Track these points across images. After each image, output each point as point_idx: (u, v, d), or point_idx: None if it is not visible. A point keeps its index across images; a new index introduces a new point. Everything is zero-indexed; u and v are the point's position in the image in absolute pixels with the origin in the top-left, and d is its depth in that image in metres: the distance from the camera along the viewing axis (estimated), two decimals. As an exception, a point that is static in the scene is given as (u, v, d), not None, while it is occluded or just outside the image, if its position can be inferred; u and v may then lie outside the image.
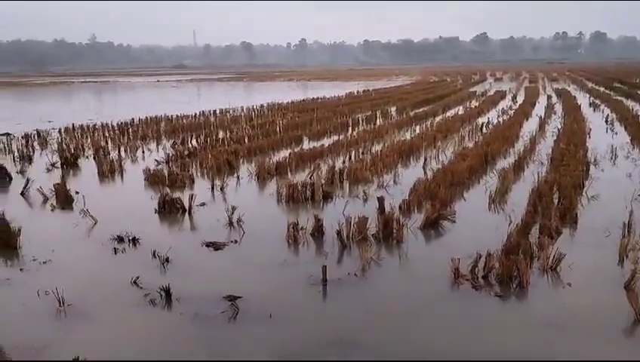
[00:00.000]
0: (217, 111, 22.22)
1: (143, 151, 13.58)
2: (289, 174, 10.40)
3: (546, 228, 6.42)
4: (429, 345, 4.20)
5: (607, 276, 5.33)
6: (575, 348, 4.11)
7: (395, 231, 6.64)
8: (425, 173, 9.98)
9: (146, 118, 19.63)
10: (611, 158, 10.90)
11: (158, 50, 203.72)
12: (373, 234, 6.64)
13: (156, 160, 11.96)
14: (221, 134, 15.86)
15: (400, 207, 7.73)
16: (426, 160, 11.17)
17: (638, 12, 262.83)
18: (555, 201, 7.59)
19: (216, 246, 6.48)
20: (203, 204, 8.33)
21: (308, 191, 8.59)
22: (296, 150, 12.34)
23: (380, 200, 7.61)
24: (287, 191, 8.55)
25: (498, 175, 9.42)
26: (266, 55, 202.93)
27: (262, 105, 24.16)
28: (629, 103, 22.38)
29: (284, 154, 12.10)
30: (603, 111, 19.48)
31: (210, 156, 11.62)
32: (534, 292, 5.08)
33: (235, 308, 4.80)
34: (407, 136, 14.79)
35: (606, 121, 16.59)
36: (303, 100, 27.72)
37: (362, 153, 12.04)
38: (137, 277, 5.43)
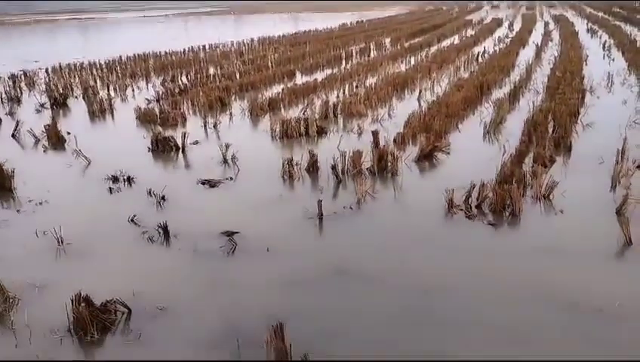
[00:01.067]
0: (207, 47, 21.65)
1: (133, 90, 13.33)
2: (282, 110, 10.27)
3: (540, 156, 6.44)
4: (424, 273, 4.30)
5: (600, 202, 5.40)
6: (565, 272, 4.21)
7: (389, 164, 6.65)
8: (420, 105, 9.88)
9: (134, 55, 19.13)
10: (607, 85, 10.79)
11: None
12: (368, 168, 6.65)
13: (146, 98, 11.76)
14: (212, 70, 15.52)
15: (395, 140, 7.71)
16: (420, 92, 11.02)
17: None
18: (550, 130, 7.57)
19: (211, 183, 6.49)
20: (196, 142, 8.27)
21: (302, 127, 8.51)
22: (289, 85, 12.14)
23: (375, 133, 7.57)
24: (280, 127, 8.47)
25: (493, 105, 9.34)
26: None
27: (252, 40, 23.52)
28: (628, 28, 21.92)
29: (276, 89, 11.91)
30: (601, 37, 19.10)
31: (201, 93, 11.43)
32: (527, 220, 5.16)
33: (233, 243, 4.87)
34: (402, 67, 14.53)
35: (603, 47, 16.30)
36: (295, 33, 26.98)
37: (356, 87, 11.85)
38: (134, 216, 5.47)
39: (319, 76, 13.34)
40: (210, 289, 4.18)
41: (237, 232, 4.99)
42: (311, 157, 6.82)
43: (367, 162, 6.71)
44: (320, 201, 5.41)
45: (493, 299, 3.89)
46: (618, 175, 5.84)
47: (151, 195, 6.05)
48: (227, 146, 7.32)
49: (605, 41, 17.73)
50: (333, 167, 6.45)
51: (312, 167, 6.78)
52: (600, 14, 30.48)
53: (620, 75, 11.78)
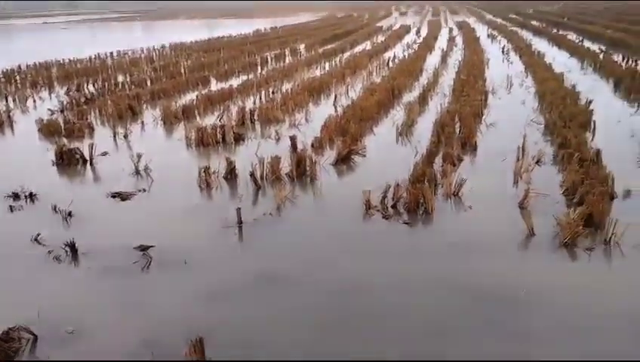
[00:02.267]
0: (115, 54, 20.74)
1: (34, 101, 12.48)
2: (197, 117, 10.04)
3: (448, 156, 6.75)
4: (344, 274, 4.35)
5: (504, 197, 5.74)
6: (477, 264, 4.44)
7: (308, 168, 6.69)
8: (335, 109, 10.04)
9: (35, 63, 17.94)
10: (507, 87, 11.53)
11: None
12: (287, 173, 6.65)
13: (49, 109, 11.05)
14: (120, 78, 14.89)
15: (312, 145, 7.77)
16: (336, 96, 11.21)
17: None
18: (457, 131, 7.96)
19: (123, 196, 6.20)
20: (105, 154, 7.89)
21: (218, 134, 8.37)
22: (203, 92, 11.89)
23: (292, 139, 7.60)
24: (196, 135, 8.27)
25: (404, 108, 9.68)
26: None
27: (164, 46, 22.84)
28: (524, 33, 23.60)
29: (190, 96, 11.64)
30: (500, 42, 20.40)
31: (109, 102, 10.93)
32: (439, 217, 5.38)
33: (148, 257, 4.67)
34: (317, 73, 14.70)
35: (503, 52, 17.42)
36: (209, 39, 26.53)
37: (273, 92, 11.84)
38: (38, 234, 5.11)
39: (235, 82, 13.19)
40: (124, 308, 3.98)
41: (151, 246, 4.79)
42: (228, 164, 6.71)
43: (286, 167, 6.71)
44: (239, 209, 5.33)
45: (412, 295, 4.02)
46: (520, 171, 6.25)
47: (56, 212, 5.68)
48: (139, 156, 7.03)
49: (504, 45, 18.96)
50: (252, 174, 6.39)
51: (230, 175, 6.68)
52: (499, 20, 32.60)
53: (518, 77, 12.63)
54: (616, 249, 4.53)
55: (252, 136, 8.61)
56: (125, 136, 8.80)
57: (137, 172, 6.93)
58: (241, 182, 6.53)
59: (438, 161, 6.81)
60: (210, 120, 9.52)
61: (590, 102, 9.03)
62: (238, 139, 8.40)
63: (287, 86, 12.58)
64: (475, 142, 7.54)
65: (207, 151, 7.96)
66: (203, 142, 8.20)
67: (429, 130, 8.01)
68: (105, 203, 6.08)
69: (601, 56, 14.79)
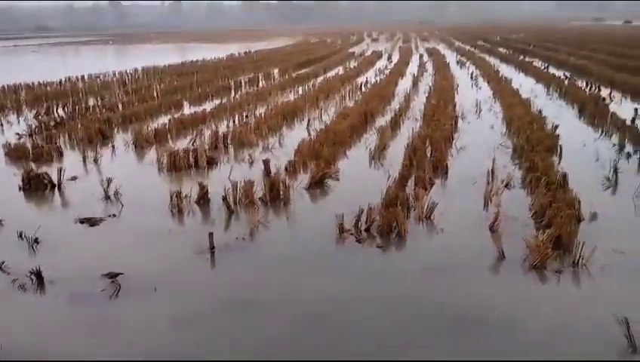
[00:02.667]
0: (86, 77, 20.52)
1: (2, 124, 12.22)
2: (170, 141, 9.97)
3: (420, 179, 6.84)
4: (318, 298, 4.33)
5: (475, 220, 5.82)
6: (450, 287, 4.47)
7: (281, 192, 6.68)
8: (309, 133, 10.10)
9: (2, 86, 17.60)
10: (476, 112, 11.80)
11: (12, 11, 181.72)
12: (260, 198, 6.63)
13: (17, 133, 10.83)
14: (91, 102, 14.72)
15: (286, 169, 7.78)
16: (309, 120, 11.29)
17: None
18: (429, 154, 8.09)
19: (92, 221, 6.07)
20: (74, 178, 7.74)
21: (191, 158, 8.32)
22: (176, 115, 11.84)
23: (266, 162, 7.60)
24: (168, 159, 8.20)
25: (377, 132, 9.80)
26: (137, 15, 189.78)
27: (136, 70, 22.71)
28: (491, 60, 24.29)
29: (163, 120, 11.56)
30: (469, 68, 20.93)
31: (80, 126, 10.77)
32: (412, 241, 5.42)
33: (117, 285, 4.56)
34: (291, 97, 14.80)
35: (471, 77, 17.87)
36: (182, 63, 26.52)
37: (246, 116, 11.86)
38: (2, 262, 4.95)
39: (208, 106, 13.18)
40: (92, 337, 3.87)
41: (121, 273, 4.69)
42: (201, 188, 6.66)
43: (259, 191, 6.69)
44: (211, 234, 5.28)
45: (386, 319, 4.01)
46: (489, 194, 6.36)
47: (22, 238, 5.52)
48: (109, 181, 6.92)
49: (472, 71, 19.47)
50: (225, 198, 6.35)
51: (203, 199, 6.62)
52: (467, 47, 33.50)
53: (486, 102, 12.94)
54: (585, 271, 4.63)
55: (225, 160, 8.58)
56: (95, 161, 8.67)
57: (107, 197, 6.81)
58: (214, 206, 6.48)
59: (411, 184, 6.89)
60: (182, 144, 9.46)
61: (556, 126, 9.30)
62: (211, 163, 8.35)
63: (260, 110, 12.62)
64: (446, 166, 7.66)
65: (179, 176, 7.89)
66: (175, 166, 8.13)
67: (402, 154, 8.11)
68: (73, 229, 5.94)
69: (565, 82, 15.29)
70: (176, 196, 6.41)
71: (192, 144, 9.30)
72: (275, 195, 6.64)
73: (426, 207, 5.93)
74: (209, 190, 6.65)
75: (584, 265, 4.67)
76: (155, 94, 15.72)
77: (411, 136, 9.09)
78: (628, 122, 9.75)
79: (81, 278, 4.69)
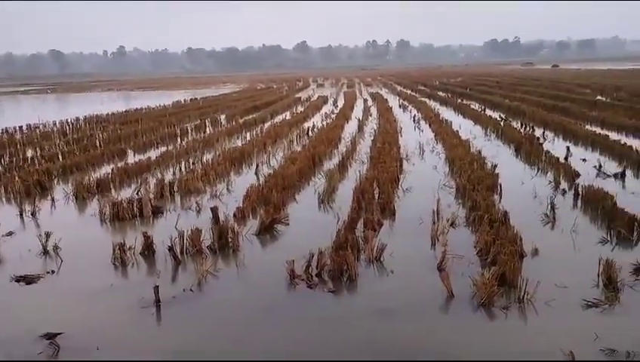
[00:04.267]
0: (24, 128, 19.81)
1: None
2: (113, 191, 9.68)
3: (369, 221, 6.92)
4: (269, 348, 4.22)
5: (423, 260, 5.91)
6: (401, 329, 4.47)
7: (230, 240, 6.57)
8: (257, 178, 10.08)
9: None
10: (420, 153, 12.16)
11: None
12: (208, 246, 6.49)
13: (-53, 187, 10.22)
14: (30, 153, 14.17)
15: (235, 215, 7.69)
16: (257, 166, 11.28)
17: (432, 22, 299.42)
18: (376, 196, 8.22)
19: (28, 279, 5.73)
20: (10, 234, 7.34)
21: (135, 208, 8.09)
22: (120, 165, 11.55)
23: (214, 210, 7.48)
24: (111, 209, 7.95)
25: (325, 175, 9.89)
26: (80, 64, 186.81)
27: (78, 119, 22.15)
28: (431, 103, 25.28)
29: (106, 170, 11.25)
30: (411, 112, 21.68)
31: (17, 178, 10.30)
32: (363, 283, 5.42)
33: (55, 346, 4.29)
34: (239, 143, 14.80)
35: (414, 120, 18.49)
36: (126, 111, 26.11)
37: (193, 163, 11.73)
38: None
39: (153, 154, 12.96)
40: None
41: (60, 333, 4.42)
42: (145, 239, 6.46)
43: (207, 240, 6.56)
44: (156, 287, 5.09)
45: (339, 367, 3.95)
46: (436, 233, 6.49)
47: (-51, 301, 5.14)
48: (48, 235, 6.60)
49: (415, 114, 20.16)
50: (171, 248, 6.17)
51: (148, 250, 6.41)
52: (409, 92, 34.80)
53: (429, 144, 13.38)
54: (530, 306, 4.76)
55: (171, 209, 8.39)
56: (33, 214, 8.27)
57: (46, 252, 6.48)
58: (160, 257, 6.28)
59: (360, 226, 6.94)
60: (126, 193, 9.21)
61: (495, 166, 9.70)
62: (157, 212, 8.15)
63: (208, 156, 12.53)
64: (394, 207, 7.80)
65: (122, 227, 7.64)
66: (118, 216, 7.87)
67: (350, 196, 8.20)
68: (8, 287, 5.59)
69: (502, 123, 16.07)
70: (119, 248, 6.18)
71: (137, 193, 9.06)
72: (224, 243, 6.52)
73: (375, 248, 5.97)
74: (154, 240, 6.45)
75: (529, 301, 4.80)
76: (97, 143, 15.33)
77: (359, 178, 9.23)
78: (561, 160, 10.30)
79: (17, 340, 4.38)
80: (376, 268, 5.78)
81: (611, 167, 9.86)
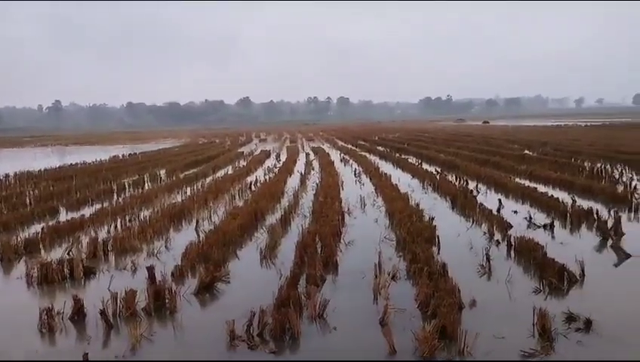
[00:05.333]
0: (-55, 185, 18.61)
1: None
2: (42, 251, 9.16)
3: (311, 277, 6.87)
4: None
5: (366, 314, 5.89)
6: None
7: (167, 301, 6.33)
8: (197, 235, 9.85)
9: None
10: (361, 207, 12.35)
11: None
12: (143, 308, 6.21)
13: None
14: (-50, 212, 13.25)
15: (173, 274, 7.44)
16: (198, 222, 11.06)
17: (371, 81, 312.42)
18: (319, 250, 8.21)
19: (-60, 351, 5.24)
20: None
21: (66, 269, 7.67)
22: (50, 223, 10.99)
23: (150, 269, 7.20)
24: (39, 271, 7.49)
25: (267, 230, 9.82)
26: (13, 119, 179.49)
27: (7, 175, 21.08)
28: (372, 157, 25.96)
29: (35, 229, 10.65)
30: (352, 166, 22.15)
31: None
32: (306, 342, 5.31)
33: None
34: (179, 198, 14.51)
35: (355, 174, 18.87)
36: (60, 167, 25.15)
37: (130, 220, 11.35)
38: None
39: (88, 211, 12.44)
40: None
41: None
42: (76, 303, 6.10)
43: (143, 301, 6.28)
44: (86, 354, 4.78)
45: None
46: (378, 287, 6.52)
47: None
48: (-34, 302, 6.11)
49: (356, 168, 20.61)
50: (103, 312, 5.85)
51: (78, 315, 6.04)
52: (349, 146, 35.68)
53: (370, 197, 13.64)
54: (470, 358, 4.80)
55: (105, 269, 8.01)
56: (-50, 278, 7.67)
57: (-38, 320, 5.97)
58: (91, 322, 5.93)
59: (302, 282, 6.87)
60: (57, 254, 8.74)
61: (433, 218, 9.98)
62: (89, 273, 7.75)
63: (146, 213, 12.17)
64: (336, 261, 7.80)
65: (51, 290, 7.20)
66: (47, 279, 7.42)
67: (292, 251, 8.15)
68: None
69: (437, 176, 16.68)
70: (47, 313, 5.80)
71: (68, 253, 8.63)
72: (161, 304, 6.26)
73: (318, 305, 5.91)
74: (85, 303, 6.11)
75: (469, 353, 4.85)
76: (27, 201, 14.60)
77: (301, 232, 9.22)
78: (494, 212, 10.75)
79: None
80: (319, 326, 5.70)
81: (540, 218, 10.36)
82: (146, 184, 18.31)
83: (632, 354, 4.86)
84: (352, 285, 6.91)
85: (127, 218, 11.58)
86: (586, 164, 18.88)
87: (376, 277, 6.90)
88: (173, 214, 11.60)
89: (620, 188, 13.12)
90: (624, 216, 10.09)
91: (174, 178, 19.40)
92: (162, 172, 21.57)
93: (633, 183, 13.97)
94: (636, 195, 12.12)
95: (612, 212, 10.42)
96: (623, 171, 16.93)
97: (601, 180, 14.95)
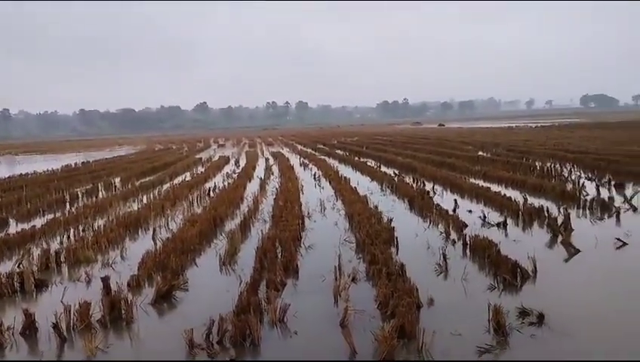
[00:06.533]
0: None
1: None
2: (-11, 265, 8.76)
3: (272, 282, 6.84)
4: None
5: (326, 317, 5.91)
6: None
7: (123, 311, 6.17)
8: (155, 243, 9.64)
9: None
10: (321, 210, 12.39)
11: None
12: (98, 320, 6.04)
13: None
14: None
15: (129, 284, 7.27)
16: (155, 230, 10.84)
17: (329, 85, 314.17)
18: (279, 255, 8.19)
19: None
20: None
21: (16, 283, 7.38)
22: (-1, 235, 10.55)
23: (105, 280, 7.01)
24: (-14, 286, 7.16)
25: (227, 237, 9.72)
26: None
27: (-50, 187, 20.09)
28: (331, 161, 26.11)
29: (-18, 242, 10.19)
30: (311, 170, 22.21)
31: None
32: (266, 348, 5.28)
33: None
34: (135, 206, 14.19)
35: (314, 178, 18.93)
36: (9, 177, 24.15)
37: (83, 230, 11.01)
38: None
39: (39, 222, 11.99)
40: None
41: None
42: (27, 317, 5.86)
43: (98, 313, 6.10)
44: (38, 370, 4.60)
45: None
46: (338, 290, 6.56)
47: None
48: None
49: (315, 172, 20.67)
50: (55, 325, 5.65)
51: (29, 329, 5.82)
52: (309, 150, 35.77)
53: (329, 200, 13.70)
54: (428, 356, 4.89)
55: (58, 281, 7.75)
56: None
57: None
58: (43, 336, 5.71)
59: (263, 287, 6.84)
60: (6, 267, 8.39)
61: (391, 220, 10.12)
62: (41, 285, 7.47)
63: (100, 222, 11.85)
64: (297, 265, 7.80)
65: (0, 305, 6.89)
66: (-5, 293, 7.11)
67: (252, 257, 8.10)
68: None
69: (395, 179, 16.92)
70: (-5, 329, 5.55)
71: (18, 266, 8.30)
72: (117, 315, 6.10)
73: (278, 309, 5.89)
74: (37, 317, 5.89)
75: (427, 351, 4.94)
76: (-28, 213, 13.94)
77: (261, 238, 9.17)
78: (450, 212, 10.98)
79: None
80: (279, 330, 5.68)
81: (494, 216, 10.66)
82: (100, 193, 17.83)
83: (581, 346, 5.05)
84: (313, 288, 6.92)
85: (81, 228, 11.24)
86: (536, 163, 19.56)
87: (336, 279, 6.94)
88: (129, 223, 11.33)
89: (569, 186, 13.65)
90: (573, 213, 10.49)
91: (130, 186, 18.95)
92: (117, 180, 21.06)
93: (581, 181, 14.56)
94: (584, 193, 12.64)
95: (562, 209, 10.85)
96: (572, 170, 17.64)
97: (551, 179, 15.52)
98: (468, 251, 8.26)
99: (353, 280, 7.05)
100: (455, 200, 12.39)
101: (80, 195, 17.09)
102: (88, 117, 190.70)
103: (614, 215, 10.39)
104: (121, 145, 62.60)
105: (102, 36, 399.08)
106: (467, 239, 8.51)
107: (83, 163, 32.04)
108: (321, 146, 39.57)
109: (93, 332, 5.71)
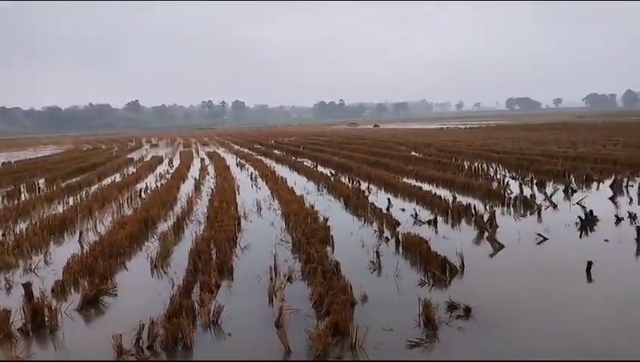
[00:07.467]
0: None
1: None
2: None
3: (206, 284, 6.72)
4: None
5: (261, 318, 5.88)
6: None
7: (47, 319, 5.87)
8: (81, 247, 9.23)
9: None
10: (257, 211, 12.32)
11: None
12: (19, 328, 5.71)
13: None
14: None
15: (53, 290, 6.93)
16: (81, 233, 10.38)
17: (267, 85, 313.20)
18: (214, 256, 8.06)
19: None
20: None
21: None
22: None
23: (27, 286, 6.65)
24: None
25: (159, 239, 9.46)
26: None
27: None
28: (268, 161, 26.00)
29: None
30: (248, 170, 22.02)
31: None
32: (199, 351, 5.19)
33: None
34: (60, 209, 13.52)
35: (251, 178, 18.78)
36: None
37: (3, 235, 10.38)
38: None
39: (-49, 227, 11.17)
40: None
41: None
42: (-63, 329, 5.45)
43: (19, 321, 5.77)
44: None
45: None
46: (273, 290, 6.54)
47: None
48: None
49: (252, 172, 20.50)
50: (-30, 337, 5.29)
51: (-60, 342, 5.41)
52: (245, 150, 35.42)
53: (266, 201, 13.64)
54: (362, 352, 4.98)
55: (-26, 290, 7.25)
56: None
57: None
58: (-44, 349, 5.33)
59: (196, 290, 6.71)
60: None
61: (327, 219, 10.22)
62: (-46, 295, 6.97)
63: (22, 226, 11.19)
64: (232, 267, 7.71)
65: None
66: None
67: (186, 259, 7.93)
68: None
69: (332, 178, 17.10)
70: None
71: None
72: (40, 323, 5.80)
73: (212, 312, 5.80)
74: (-52, 329, 5.48)
75: (360, 347, 5.03)
76: None
77: (195, 239, 8.99)
78: (384, 210, 11.24)
79: None
80: (213, 333, 5.59)
81: (425, 214, 11.01)
82: (23, 195, 16.85)
83: (506, 336, 5.31)
84: (248, 289, 6.87)
85: (1, 232, 10.57)
86: (465, 163, 20.37)
87: (271, 279, 6.92)
88: (54, 226, 10.79)
89: (495, 185, 14.31)
90: (498, 211, 11.02)
91: (55, 187, 18.01)
92: (41, 181, 19.97)
93: (506, 180, 15.32)
94: (509, 191, 13.30)
95: (488, 207, 11.38)
96: (497, 169, 18.51)
97: (478, 178, 16.22)
98: (400, 248, 8.48)
99: (289, 279, 7.06)
100: (389, 198, 12.69)
101: (0, 198, 16.07)
102: (10, 115, 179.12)
103: (536, 212, 11.00)
104: (46, 145, 59.41)
105: (26, 31, 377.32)
106: (400, 236, 8.74)
107: (4, 163, 30.13)
108: (258, 146, 39.34)
109: (13, 342, 5.39)
